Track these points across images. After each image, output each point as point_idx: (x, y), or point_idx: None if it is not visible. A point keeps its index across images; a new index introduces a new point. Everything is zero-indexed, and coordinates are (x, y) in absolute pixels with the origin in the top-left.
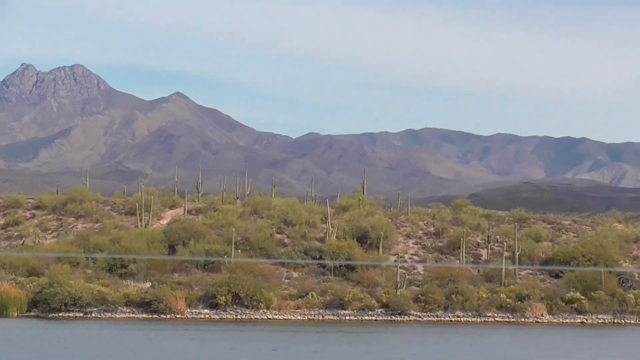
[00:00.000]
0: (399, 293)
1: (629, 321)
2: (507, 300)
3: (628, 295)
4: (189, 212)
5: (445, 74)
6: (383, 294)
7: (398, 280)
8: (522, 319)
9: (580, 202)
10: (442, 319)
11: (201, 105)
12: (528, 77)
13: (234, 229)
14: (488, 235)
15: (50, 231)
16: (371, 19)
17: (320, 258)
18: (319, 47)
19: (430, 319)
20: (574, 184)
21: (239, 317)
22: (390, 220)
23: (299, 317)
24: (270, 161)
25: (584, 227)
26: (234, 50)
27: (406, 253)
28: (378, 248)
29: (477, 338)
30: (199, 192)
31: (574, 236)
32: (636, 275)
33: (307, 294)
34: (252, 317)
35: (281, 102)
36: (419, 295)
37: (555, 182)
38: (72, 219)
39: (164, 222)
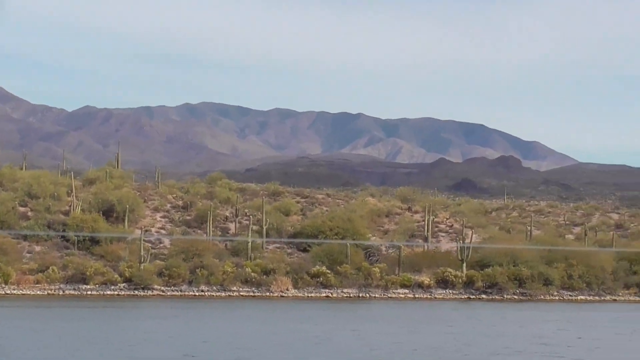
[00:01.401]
0: (142, 267)
1: (374, 295)
2: (253, 274)
3: (373, 269)
4: None
5: (223, 47)
6: (126, 268)
7: (142, 254)
8: (268, 293)
9: (355, 177)
10: (187, 293)
11: None
12: (304, 52)
13: None
14: (236, 209)
15: None
16: None
17: (64, 231)
18: (94, 17)
19: (174, 293)
20: (350, 159)
21: None
22: (138, 193)
23: (38, 292)
24: (46, 134)
25: (338, 201)
26: (7, 20)
27: (153, 227)
28: (124, 221)
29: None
30: None
31: (326, 210)
32: (383, 248)
33: (47, 268)
34: None
35: (56, 74)
36: (163, 270)
37: (332, 157)
38: None
39: None
